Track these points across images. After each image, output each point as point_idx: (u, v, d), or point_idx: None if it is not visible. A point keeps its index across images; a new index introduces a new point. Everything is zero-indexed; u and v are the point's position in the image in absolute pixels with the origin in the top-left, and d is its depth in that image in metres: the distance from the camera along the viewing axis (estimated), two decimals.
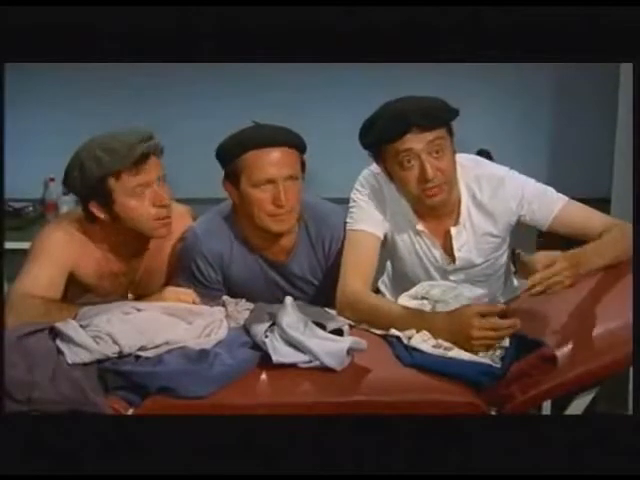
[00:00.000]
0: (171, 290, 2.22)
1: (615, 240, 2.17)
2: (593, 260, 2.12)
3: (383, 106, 2.21)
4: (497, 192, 2.27)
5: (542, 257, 2.01)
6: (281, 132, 2.27)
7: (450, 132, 2.20)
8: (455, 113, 2.19)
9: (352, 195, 2.35)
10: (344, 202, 2.37)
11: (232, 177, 2.26)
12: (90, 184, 2.17)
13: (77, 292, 2.31)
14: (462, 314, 1.98)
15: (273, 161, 2.21)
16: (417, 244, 2.33)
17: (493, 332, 1.94)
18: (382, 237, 2.31)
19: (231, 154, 2.24)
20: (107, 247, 2.31)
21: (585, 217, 2.25)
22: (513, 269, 2.55)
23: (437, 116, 2.16)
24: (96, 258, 2.31)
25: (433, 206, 2.23)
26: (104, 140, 2.19)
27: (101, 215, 2.22)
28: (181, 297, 2.17)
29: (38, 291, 2.17)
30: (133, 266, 2.36)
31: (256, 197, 2.23)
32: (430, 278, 2.33)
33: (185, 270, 2.34)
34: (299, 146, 2.28)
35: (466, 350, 1.94)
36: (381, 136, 2.16)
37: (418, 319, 2.06)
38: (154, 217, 2.23)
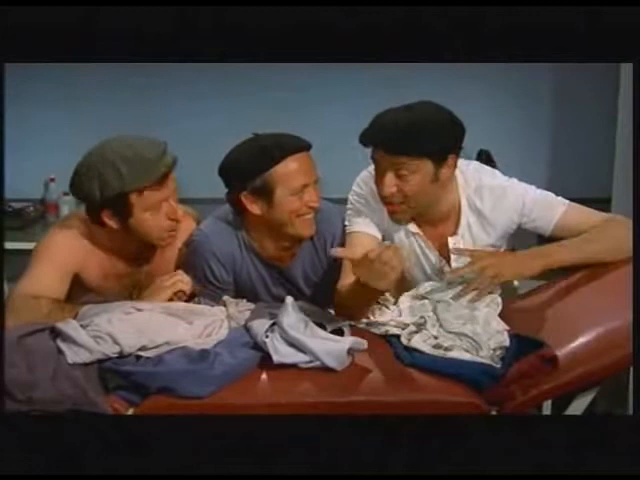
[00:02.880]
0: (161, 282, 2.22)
1: (598, 235, 2.17)
2: (568, 255, 2.14)
3: (392, 109, 2.20)
4: (498, 203, 2.26)
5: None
6: (296, 138, 2.27)
7: (436, 160, 2.13)
8: (436, 146, 2.12)
9: (350, 197, 2.35)
10: (344, 202, 2.37)
11: (260, 191, 2.23)
12: (108, 196, 2.14)
13: (80, 292, 2.30)
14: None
15: (305, 167, 2.24)
16: (414, 245, 2.33)
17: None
18: (380, 237, 2.31)
19: (259, 169, 2.22)
20: (112, 250, 2.30)
21: (586, 221, 2.24)
22: None
23: (406, 145, 2.11)
24: (101, 260, 2.30)
25: (394, 221, 2.26)
26: (123, 152, 2.14)
27: (112, 224, 2.21)
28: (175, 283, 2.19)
29: (41, 292, 2.17)
30: (137, 268, 2.36)
31: (294, 204, 2.23)
32: (428, 279, 2.33)
33: (196, 271, 2.33)
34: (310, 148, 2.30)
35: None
36: (361, 141, 2.17)
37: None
38: (166, 229, 2.24)
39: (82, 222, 2.30)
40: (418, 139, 2.12)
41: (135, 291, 2.29)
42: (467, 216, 2.28)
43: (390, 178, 2.14)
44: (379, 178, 2.18)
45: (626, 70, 3.43)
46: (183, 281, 2.23)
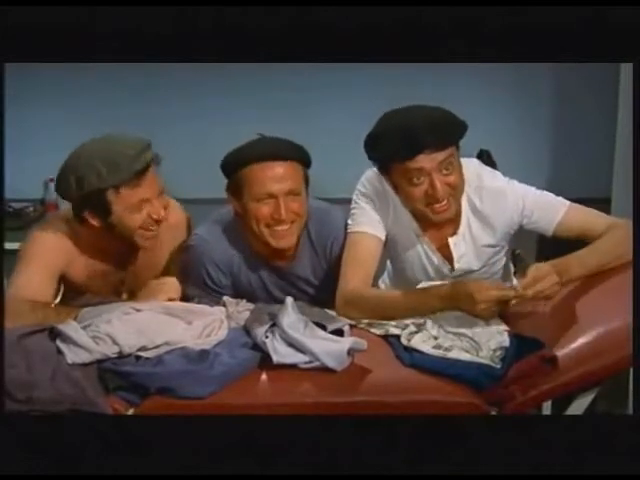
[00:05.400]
0: (158, 284, 2.23)
1: (607, 246, 2.16)
2: (579, 269, 2.11)
3: (390, 119, 2.17)
4: (498, 204, 2.26)
5: (534, 269, 2.01)
6: (284, 146, 2.26)
7: (457, 147, 2.18)
8: (464, 129, 2.16)
9: (354, 197, 2.34)
10: (345, 202, 2.36)
11: (235, 190, 2.26)
12: (87, 194, 2.16)
13: (72, 292, 2.31)
14: (461, 291, 2.02)
15: (275, 176, 2.21)
16: (418, 246, 2.33)
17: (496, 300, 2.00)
18: (383, 238, 2.31)
19: (233, 167, 2.24)
20: (97, 248, 2.30)
21: (587, 221, 2.24)
22: (513, 269, 2.55)
23: (449, 136, 2.14)
24: (86, 258, 2.31)
25: (437, 222, 2.24)
26: (102, 150, 2.16)
27: (95, 223, 2.21)
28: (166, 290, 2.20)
29: (31, 295, 2.17)
30: (123, 265, 2.35)
31: (256, 211, 2.23)
32: (429, 279, 2.33)
33: (194, 276, 2.34)
34: (302, 160, 2.27)
35: (475, 316, 2.01)
36: (392, 155, 2.13)
37: (420, 296, 2.11)
38: (144, 226, 2.22)
39: (64, 222, 2.30)
40: (453, 127, 2.14)
41: (123, 287, 2.29)
42: (467, 216, 2.28)
43: (439, 177, 2.13)
44: (424, 184, 2.13)
45: (626, 70, 3.43)
46: (173, 289, 2.24)
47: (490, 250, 2.33)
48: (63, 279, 2.29)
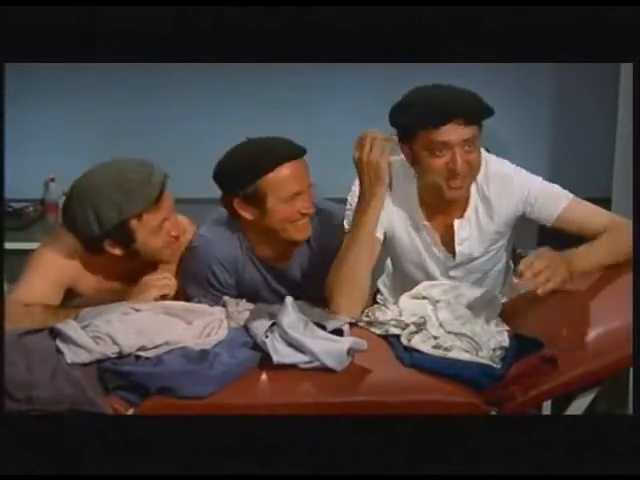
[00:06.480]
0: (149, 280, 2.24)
1: (607, 244, 2.17)
2: (584, 263, 2.13)
3: (420, 90, 2.20)
4: (504, 190, 2.27)
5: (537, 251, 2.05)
6: (290, 145, 2.28)
7: (480, 129, 2.20)
8: (490, 112, 2.18)
9: (349, 198, 2.34)
10: (343, 202, 2.36)
11: (252, 198, 2.25)
12: (108, 227, 2.14)
13: (72, 298, 2.31)
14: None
15: (298, 174, 2.25)
16: (418, 241, 2.32)
17: None
18: (382, 237, 2.30)
19: (250, 177, 2.24)
20: (109, 268, 2.30)
21: (588, 216, 2.25)
22: (513, 267, 2.55)
23: (477, 113, 2.16)
24: (96, 276, 2.30)
25: (449, 199, 2.23)
26: (112, 179, 2.15)
27: (116, 252, 2.21)
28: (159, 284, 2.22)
29: (31, 300, 2.17)
30: (133, 280, 2.35)
31: (286, 211, 2.25)
32: (430, 277, 2.33)
33: (198, 277, 2.34)
34: (304, 155, 2.30)
35: None
36: (420, 121, 2.14)
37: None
38: (166, 245, 2.24)
39: (75, 240, 2.29)
40: (481, 106, 2.16)
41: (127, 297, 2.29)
42: (475, 201, 2.28)
43: (461, 153, 2.14)
44: (446, 157, 2.14)
45: (626, 70, 3.43)
46: (170, 285, 2.25)
47: (493, 236, 2.32)
48: (70, 291, 2.29)
